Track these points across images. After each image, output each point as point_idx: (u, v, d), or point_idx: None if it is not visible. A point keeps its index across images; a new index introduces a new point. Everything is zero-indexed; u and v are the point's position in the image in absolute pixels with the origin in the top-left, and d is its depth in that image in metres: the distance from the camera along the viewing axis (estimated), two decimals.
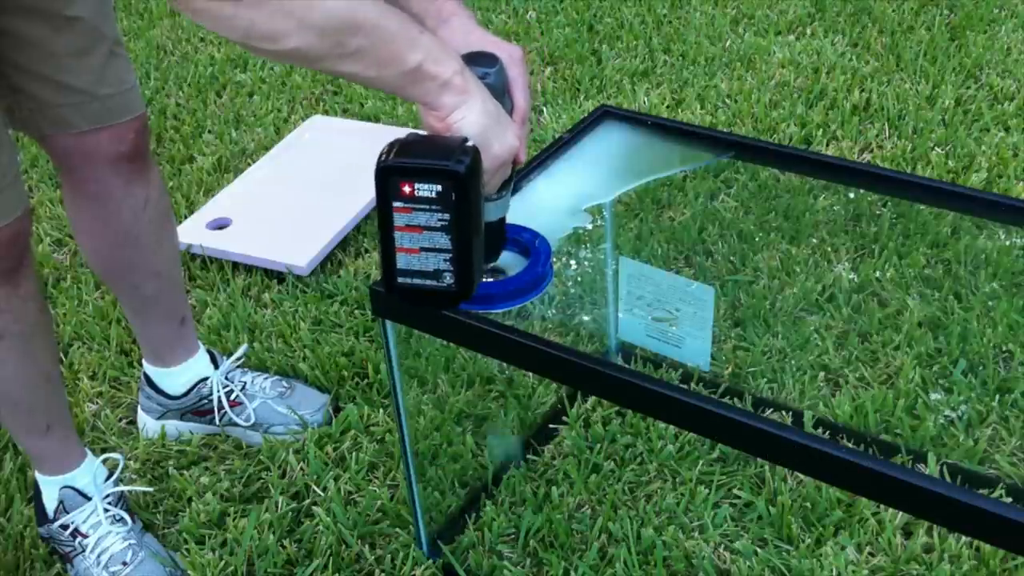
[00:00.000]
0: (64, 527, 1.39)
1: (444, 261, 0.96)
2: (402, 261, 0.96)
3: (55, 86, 1.24)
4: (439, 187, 0.91)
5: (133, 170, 1.35)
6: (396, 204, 0.93)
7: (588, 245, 1.68)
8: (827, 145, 2.25)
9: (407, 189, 0.92)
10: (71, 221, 1.43)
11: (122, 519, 1.40)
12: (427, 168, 0.91)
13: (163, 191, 1.44)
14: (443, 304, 1.01)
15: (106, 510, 1.40)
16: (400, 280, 0.98)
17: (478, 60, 1.01)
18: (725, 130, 2.25)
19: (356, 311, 1.84)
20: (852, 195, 2.00)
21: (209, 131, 2.47)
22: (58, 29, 1.21)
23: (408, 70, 0.91)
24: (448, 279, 0.97)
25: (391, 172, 0.92)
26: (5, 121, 1.24)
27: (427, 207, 0.93)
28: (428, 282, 0.97)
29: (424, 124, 0.99)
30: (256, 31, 0.86)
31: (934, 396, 1.55)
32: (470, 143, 0.94)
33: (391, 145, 0.94)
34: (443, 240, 0.94)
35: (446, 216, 0.93)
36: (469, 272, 0.97)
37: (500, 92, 1.02)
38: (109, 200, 1.36)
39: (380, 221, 0.95)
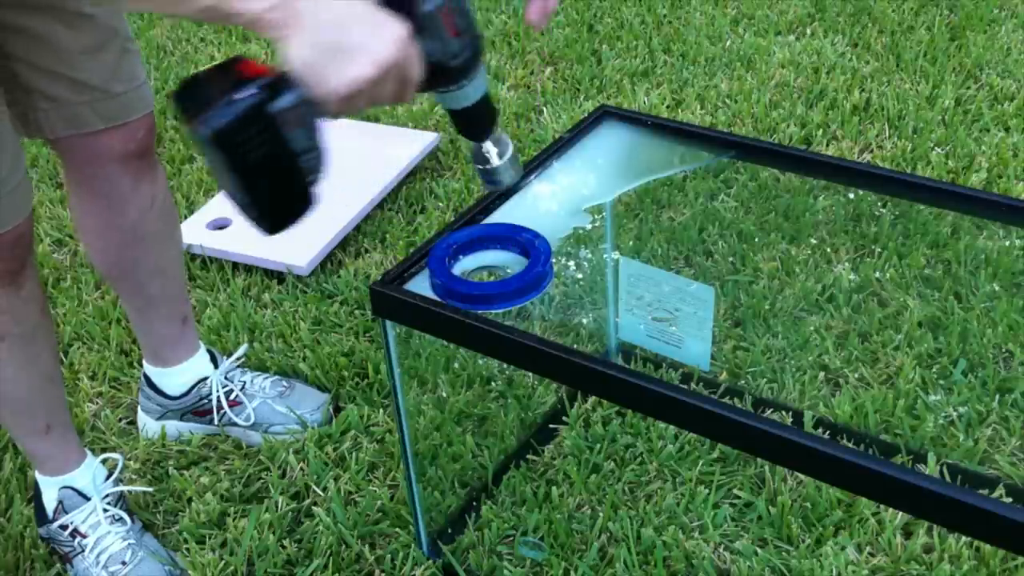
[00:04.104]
0: (63, 527, 1.39)
1: (244, 198, 0.93)
2: (231, 200, 0.95)
3: (70, 83, 1.24)
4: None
5: (141, 168, 1.35)
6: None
7: (588, 245, 1.68)
8: (827, 145, 2.25)
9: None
10: (77, 221, 1.43)
11: (121, 519, 1.40)
12: (192, 118, 0.88)
13: (167, 190, 1.44)
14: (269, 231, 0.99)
15: (105, 510, 1.40)
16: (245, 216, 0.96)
17: None
18: (725, 130, 2.25)
19: (356, 311, 1.84)
20: (852, 195, 2.00)
21: None
22: (71, 26, 1.21)
23: (202, 8, 0.85)
24: (253, 214, 0.95)
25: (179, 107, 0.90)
26: (18, 128, 1.24)
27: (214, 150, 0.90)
28: (249, 217, 0.95)
29: None
30: None
31: (933, 398, 1.55)
32: (249, 92, 0.86)
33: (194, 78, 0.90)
34: (235, 181, 0.91)
35: (226, 159, 0.89)
36: (265, 211, 0.95)
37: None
38: (118, 199, 1.36)
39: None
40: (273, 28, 0.86)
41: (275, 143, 0.90)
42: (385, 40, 0.89)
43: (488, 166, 1.13)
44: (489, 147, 1.12)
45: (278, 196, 0.95)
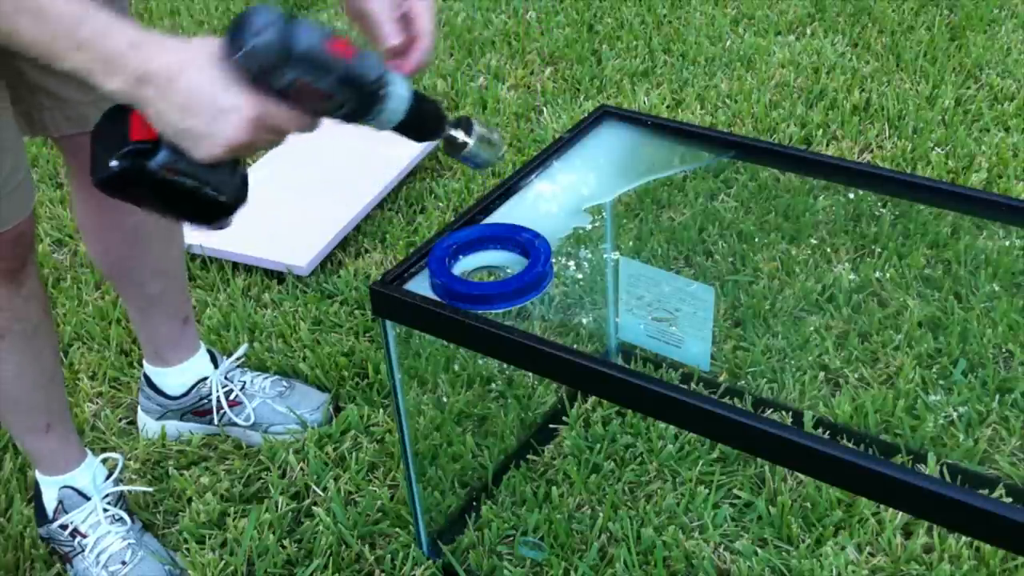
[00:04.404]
0: (63, 527, 1.39)
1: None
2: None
3: (76, 82, 1.23)
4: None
5: None
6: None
7: (588, 245, 1.68)
8: (827, 145, 2.25)
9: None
10: (79, 221, 1.43)
11: (121, 519, 1.40)
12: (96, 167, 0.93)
13: None
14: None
15: (105, 510, 1.40)
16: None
17: (238, 27, 0.90)
18: (725, 130, 2.25)
19: (356, 311, 1.84)
20: (852, 195, 2.00)
21: None
22: None
23: (68, 70, 0.88)
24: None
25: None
26: (22, 126, 1.24)
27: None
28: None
29: None
30: None
31: (933, 398, 1.55)
32: (117, 163, 0.92)
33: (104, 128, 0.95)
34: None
35: (123, 200, 0.97)
36: (186, 221, 1.00)
37: (281, 50, 0.89)
38: None
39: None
40: (134, 100, 0.89)
41: (164, 188, 0.94)
42: (228, 127, 0.89)
43: (463, 152, 1.07)
44: (452, 133, 1.07)
45: (190, 215, 0.99)
